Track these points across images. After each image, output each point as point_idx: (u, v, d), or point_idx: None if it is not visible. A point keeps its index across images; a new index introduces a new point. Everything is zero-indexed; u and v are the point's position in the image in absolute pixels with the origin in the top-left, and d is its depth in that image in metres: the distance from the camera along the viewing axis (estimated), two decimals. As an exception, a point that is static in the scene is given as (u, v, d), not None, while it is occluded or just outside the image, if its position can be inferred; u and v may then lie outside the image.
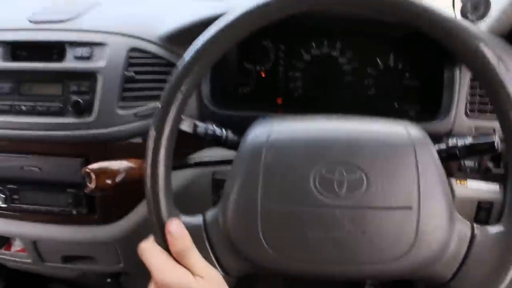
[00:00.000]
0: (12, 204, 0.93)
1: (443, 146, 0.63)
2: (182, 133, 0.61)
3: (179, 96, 0.53)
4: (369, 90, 0.94)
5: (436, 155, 0.55)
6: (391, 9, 0.51)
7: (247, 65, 0.95)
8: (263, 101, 0.96)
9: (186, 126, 0.65)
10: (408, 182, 0.53)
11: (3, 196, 0.92)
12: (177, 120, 0.53)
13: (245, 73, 0.95)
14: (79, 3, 1.01)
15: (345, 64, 0.93)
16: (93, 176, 0.66)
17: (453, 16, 0.52)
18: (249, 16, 0.52)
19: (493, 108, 0.52)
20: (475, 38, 0.50)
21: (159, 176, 0.52)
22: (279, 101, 0.96)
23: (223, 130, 0.68)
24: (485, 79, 0.50)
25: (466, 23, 0.51)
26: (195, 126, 0.66)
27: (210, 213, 0.56)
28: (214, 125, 0.68)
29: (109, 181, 0.67)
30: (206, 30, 0.53)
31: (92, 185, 0.66)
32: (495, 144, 0.61)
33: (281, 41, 0.93)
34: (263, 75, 0.95)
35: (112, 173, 0.68)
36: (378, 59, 0.93)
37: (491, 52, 0.50)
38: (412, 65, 0.93)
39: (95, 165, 0.67)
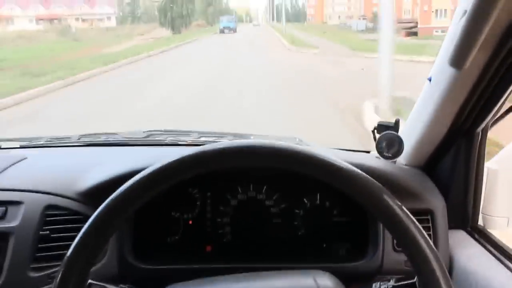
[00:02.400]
0: None
1: None
2: None
3: (84, 256, 0.51)
4: (299, 231, 0.93)
5: None
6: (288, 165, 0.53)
7: (174, 213, 0.93)
8: (192, 249, 0.92)
9: None
10: None
11: None
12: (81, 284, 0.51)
13: (172, 222, 0.93)
14: (4, 158, 0.99)
15: (272, 206, 0.93)
16: None
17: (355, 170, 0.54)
18: (154, 177, 0.53)
19: None
20: (378, 189, 0.52)
21: None
22: (208, 248, 0.92)
23: None
24: (392, 227, 0.52)
25: (367, 177, 0.54)
26: None
27: None
28: None
29: None
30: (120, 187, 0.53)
31: None
32: (416, 285, 0.59)
33: (207, 188, 0.93)
34: (191, 223, 0.93)
35: None
36: (305, 199, 0.93)
37: (392, 200, 0.52)
38: (339, 202, 0.94)
39: None
